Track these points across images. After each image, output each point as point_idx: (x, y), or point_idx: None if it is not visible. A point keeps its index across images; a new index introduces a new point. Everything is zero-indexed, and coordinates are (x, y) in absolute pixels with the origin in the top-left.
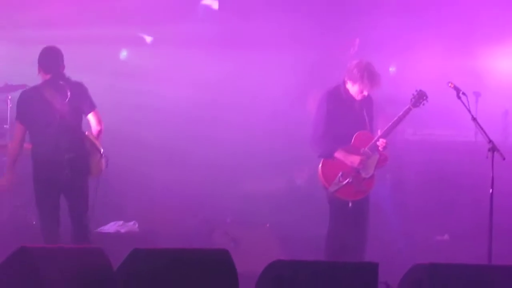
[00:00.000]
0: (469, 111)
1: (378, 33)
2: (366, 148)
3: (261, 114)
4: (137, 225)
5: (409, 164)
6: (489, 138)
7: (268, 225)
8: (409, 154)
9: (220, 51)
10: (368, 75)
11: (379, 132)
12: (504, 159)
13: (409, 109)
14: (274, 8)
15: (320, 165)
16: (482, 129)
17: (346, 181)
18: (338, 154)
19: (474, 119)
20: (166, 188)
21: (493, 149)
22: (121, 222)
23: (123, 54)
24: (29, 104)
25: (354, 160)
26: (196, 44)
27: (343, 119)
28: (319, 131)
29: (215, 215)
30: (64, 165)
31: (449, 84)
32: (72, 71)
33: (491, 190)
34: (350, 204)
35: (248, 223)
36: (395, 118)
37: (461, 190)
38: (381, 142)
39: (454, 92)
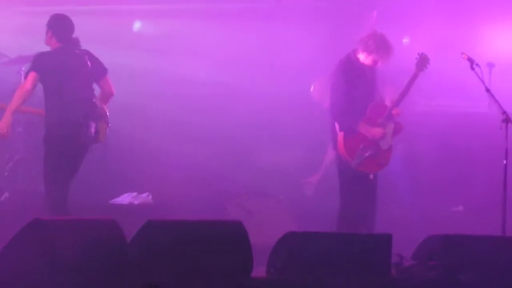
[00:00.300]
0: (483, 82)
1: (392, 5)
2: (382, 119)
3: (276, 86)
4: (150, 196)
5: (422, 136)
6: (503, 109)
7: (281, 196)
8: (422, 125)
9: (239, 24)
10: (384, 46)
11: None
12: None
13: (416, 73)
14: None
15: (342, 139)
16: (495, 100)
17: (368, 153)
18: (361, 128)
19: (487, 90)
20: (180, 160)
21: (507, 120)
22: (134, 194)
23: (137, 25)
24: (51, 65)
25: (376, 132)
26: (216, 17)
27: (358, 89)
28: (341, 103)
29: (228, 187)
30: (81, 131)
31: (463, 55)
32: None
33: (505, 161)
34: (371, 177)
35: (261, 195)
36: (405, 85)
37: (475, 161)
38: (395, 111)
39: (468, 63)
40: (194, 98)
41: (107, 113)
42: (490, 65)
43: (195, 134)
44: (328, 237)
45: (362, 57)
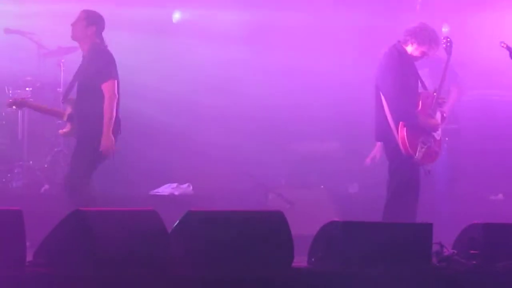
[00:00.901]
0: None
1: None
2: (431, 109)
3: (319, 78)
4: (191, 187)
5: (464, 125)
6: None
7: (322, 187)
8: (464, 114)
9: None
10: (435, 38)
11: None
12: None
13: (448, 58)
14: None
15: (404, 133)
16: None
17: (427, 145)
18: (421, 120)
19: None
20: (221, 152)
21: None
22: (175, 185)
23: (176, 16)
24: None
25: (433, 123)
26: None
27: (411, 81)
28: (401, 99)
29: (269, 177)
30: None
31: (502, 44)
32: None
33: None
34: (428, 172)
35: (302, 186)
36: (442, 72)
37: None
38: (440, 98)
39: (507, 52)
40: (237, 91)
41: None
42: None
43: (235, 126)
44: (369, 226)
45: (411, 48)
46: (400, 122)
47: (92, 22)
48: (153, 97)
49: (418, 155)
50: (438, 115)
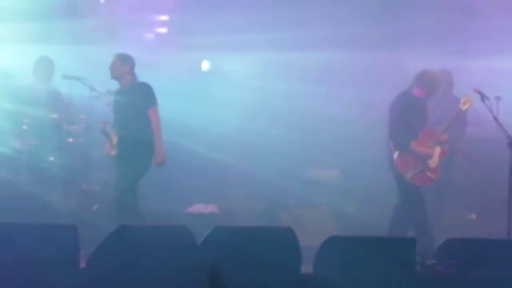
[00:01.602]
0: (492, 112)
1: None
2: (432, 142)
3: (319, 112)
4: (217, 207)
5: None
6: (508, 134)
7: (325, 206)
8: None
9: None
10: (438, 83)
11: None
12: None
13: (460, 110)
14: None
15: (397, 157)
16: (502, 127)
17: (418, 169)
18: (413, 148)
19: (495, 119)
20: (242, 176)
21: (511, 144)
22: (203, 205)
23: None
24: None
25: (425, 152)
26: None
27: (413, 118)
28: (397, 129)
29: (281, 198)
30: None
31: (475, 90)
32: None
33: (510, 177)
34: (421, 189)
35: (308, 205)
36: (451, 119)
37: (486, 177)
38: (444, 137)
39: (479, 96)
40: (250, 123)
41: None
42: (498, 98)
43: (254, 153)
44: (365, 240)
45: (418, 91)
46: (392, 146)
47: (125, 61)
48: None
49: (407, 175)
50: (437, 149)
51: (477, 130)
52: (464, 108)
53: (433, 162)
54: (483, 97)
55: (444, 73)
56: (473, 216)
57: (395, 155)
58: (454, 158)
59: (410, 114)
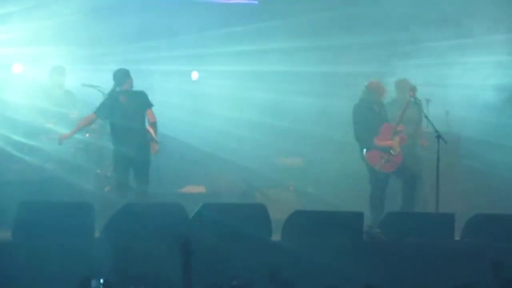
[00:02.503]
0: (423, 111)
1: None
2: (391, 134)
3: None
4: (204, 188)
5: None
6: (436, 129)
7: (291, 187)
8: None
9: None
10: (383, 89)
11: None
12: (446, 143)
13: (409, 101)
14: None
15: (365, 153)
16: (431, 123)
17: (385, 159)
18: (376, 143)
19: (426, 116)
20: (226, 164)
21: (439, 136)
22: (193, 186)
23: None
24: None
25: (387, 144)
26: None
27: (370, 119)
28: (360, 132)
29: (256, 180)
30: None
31: (409, 93)
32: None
33: (437, 163)
34: (391, 174)
35: (279, 187)
36: (402, 110)
37: (417, 163)
38: (399, 127)
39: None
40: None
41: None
42: (428, 100)
43: (235, 144)
44: (323, 214)
45: (371, 96)
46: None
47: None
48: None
49: (377, 166)
50: (397, 138)
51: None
52: (411, 97)
53: (395, 150)
54: (416, 99)
55: (403, 81)
56: None
57: (364, 152)
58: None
59: (368, 117)
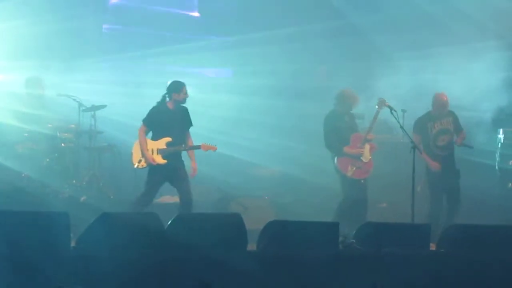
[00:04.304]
0: (398, 122)
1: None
2: (361, 143)
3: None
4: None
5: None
6: (411, 139)
7: (266, 197)
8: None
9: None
10: (354, 98)
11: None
12: (421, 152)
13: (377, 111)
14: None
15: (337, 161)
16: (406, 133)
17: (356, 167)
18: (347, 151)
19: (401, 127)
20: (201, 174)
21: (414, 147)
22: (169, 196)
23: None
24: None
25: (357, 152)
26: None
27: (341, 128)
28: (331, 141)
29: (232, 191)
30: None
31: (385, 104)
32: None
33: (413, 174)
34: (362, 181)
35: (253, 196)
36: (372, 120)
37: (391, 173)
38: (370, 136)
39: (388, 109)
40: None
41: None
42: (404, 111)
43: (210, 156)
44: (298, 224)
45: (340, 107)
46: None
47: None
48: None
49: (348, 173)
50: (367, 146)
51: (388, 137)
52: (380, 108)
53: (365, 157)
54: (391, 110)
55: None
56: (384, 204)
57: (335, 160)
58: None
59: (338, 127)
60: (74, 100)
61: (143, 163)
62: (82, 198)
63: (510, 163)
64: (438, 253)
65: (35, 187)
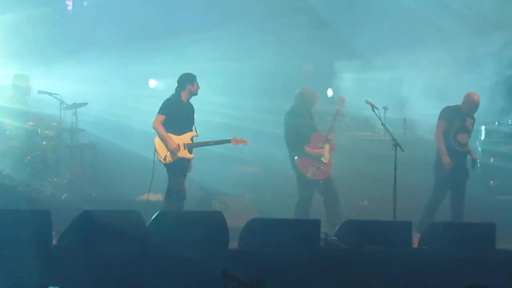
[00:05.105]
0: (380, 119)
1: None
2: (321, 142)
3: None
4: (162, 196)
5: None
6: (393, 137)
7: (248, 195)
8: (341, 149)
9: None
10: (313, 97)
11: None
12: (403, 151)
13: (338, 110)
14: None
15: (297, 161)
16: (388, 131)
17: (316, 167)
18: (307, 151)
19: (383, 124)
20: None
21: (396, 144)
22: (151, 194)
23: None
24: None
25: (318, 152)
26: None
27: (302, 127)
28: (291, 139)
29: (214, 188)
30: None
31: (367, 101)
32: None
33: (394, 172)
34: (321, 181)
35: (235, 194)
36: (333, 119)
37: (373, 170)
38: (330, 136)
39: (370, 107)
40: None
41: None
42: (385, 108)
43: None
44: (279, 222)
45: (299, 105)
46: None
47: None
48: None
49: (309, 174)
50: (327, 146)
51: (369, 134)
52: (341, 107)
53: (325, 158)
54: (373, 107)
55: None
56: (365, 202)
57: (295, 159)
58: None
59: (299, 125)
60: (55, 97)
61: (170, 158)
62: (63, 196)
63: (492, 160)
64: (420, 251)
65: (16, 185)
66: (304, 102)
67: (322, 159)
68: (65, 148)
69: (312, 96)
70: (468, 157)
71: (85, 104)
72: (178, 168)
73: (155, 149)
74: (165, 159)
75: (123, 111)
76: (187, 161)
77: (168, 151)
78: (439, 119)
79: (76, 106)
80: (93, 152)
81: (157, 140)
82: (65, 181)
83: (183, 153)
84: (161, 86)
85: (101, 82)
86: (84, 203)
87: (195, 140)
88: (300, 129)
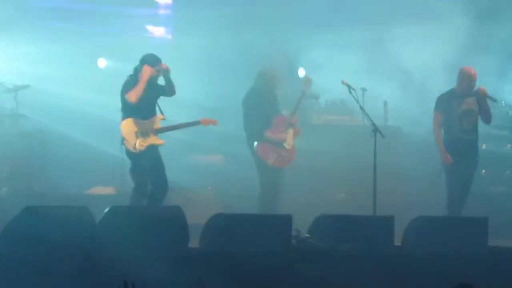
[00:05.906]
0: (358, 102)
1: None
2: (284, 127)
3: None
4: (114, 189)
5: (318, 140)
6: (372, 122)
7: (210, 188)
8: (314, 134)
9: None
10: (275, 76)
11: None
12: (383, 137)
13: (304, 91)
14: None
15: (256, 146)
16: (367, 115)
17: (277, 153)
18: (268, 136)
19: (361, 108)
20: None
21: (376, 130)
22: (101, 187)
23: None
24: None
25: (279, 137)
26: None
27: (263, 111)
28: (251, 123)
29: (171, 180)
30: None
31: (343, 82)
32: None
33: (374, 161)
34: (282, 171)
35: (197, 187)
36: (296, 101)
37: (351, 159)
38: (294, 120)
39: (346, 88)
40: None
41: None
42: (363, 89)
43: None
44: (246, 217)
45: (260, 87)
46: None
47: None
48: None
49: (270, 161)
50: (290, 131)
51: (346, 119)
52: (306, 88)
53: (289, 144)
54: (350, 88)
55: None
56: (342, 195)
57: (255, 145)
58: None
59: (261, 108)
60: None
61: (140, 146)
62: (3, 190)
63: (483, 147)
64: (405, 249)
65: None
66: (267, 82)
67: (284, 145)
68: (4, 137)
69: (274, 77)
70: (479, 144)
71: (26, 86)
72: (145, 157)
73: (123, 137)
74: (134, 147)
75: (71, 93)
76: (156, 148)
77: (138, 137)
78: (434, 110)
79: (17, 88)
80: (37, 141)
81: (124, 126)
82: (4, 173)
83: (153, 139)
84: (112, 66)
85: (40, 61)
86: (26, 198)
87: (163, 124)
88: (261, 112)
